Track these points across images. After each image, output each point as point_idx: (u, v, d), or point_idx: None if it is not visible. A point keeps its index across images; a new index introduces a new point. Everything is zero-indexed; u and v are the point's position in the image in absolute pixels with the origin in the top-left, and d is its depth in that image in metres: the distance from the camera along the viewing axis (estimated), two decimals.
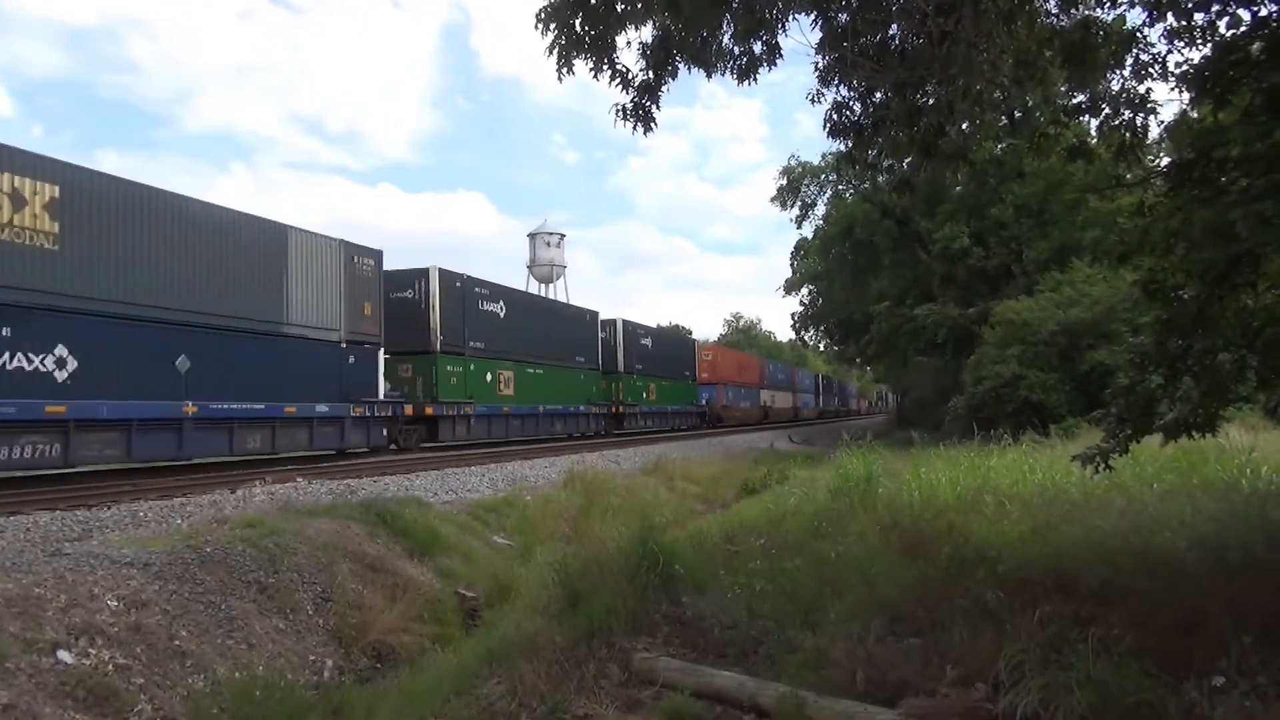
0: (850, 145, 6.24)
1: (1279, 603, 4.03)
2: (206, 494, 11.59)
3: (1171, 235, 4.76)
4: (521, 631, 5.95)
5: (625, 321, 33.38)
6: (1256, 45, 4.50)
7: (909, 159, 6.32)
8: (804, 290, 45.14)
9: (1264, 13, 4.58)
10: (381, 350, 18.91)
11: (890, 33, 5.80)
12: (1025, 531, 6.52)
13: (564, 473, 17.00)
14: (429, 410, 20.27)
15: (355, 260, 18.01)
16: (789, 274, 45.60)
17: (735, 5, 5.33)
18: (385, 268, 19.17)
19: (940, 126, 5.86)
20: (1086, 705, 3.62)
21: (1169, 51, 5.23)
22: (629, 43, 5.49)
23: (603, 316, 31.93)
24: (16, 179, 11.35)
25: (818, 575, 6.37)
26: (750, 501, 15.57)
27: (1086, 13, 5.68)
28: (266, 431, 15.39)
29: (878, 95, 6.00)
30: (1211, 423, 5.14)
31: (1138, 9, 5.40)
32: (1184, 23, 5.01)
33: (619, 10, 5.23)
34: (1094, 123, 5.93)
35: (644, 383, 34.38)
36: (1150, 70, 5.37)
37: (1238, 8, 4.70)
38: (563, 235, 57.14)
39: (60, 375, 11.83)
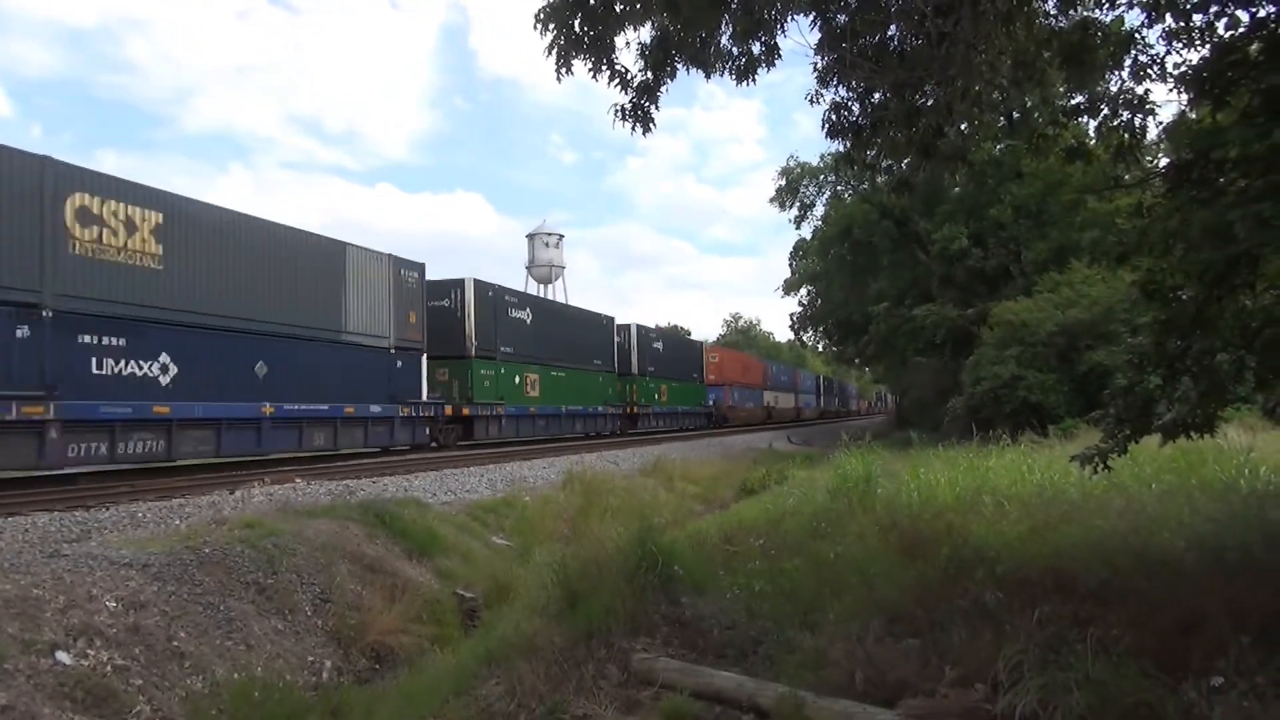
0: (849, 146, 6.24)
1: (1277, 603, 4.04)
2: (205, 495, 11.57)
3: (1170, 236, 4.76)
4: (520, 632, 5.95)
5: (639, 326, 34.60)
6: (1255, 46, 4.50)
7: (908, 160, 6.31)
8: (803, 291, 45.30)
9: (1262, 14, 4.58)
10: (424, 355, 20.07)
11: (889, 33, 5.80)
12: (1024, 532, 6.52)
13: (563, 473, 17.01)
14: (465, 411, 21.77)
15: (401, 273, 19.35)
16: (788, 274, 45.85)
17: (734, 6, 5.33)
18: None
19: (939, 127, 5.85)
20: (1085, 705, 3.63)
21: (1167, 52, 5.24)
22: (628, 43, 5.51)
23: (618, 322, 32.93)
24: (128, 208, 12.85)
25: (817, 576, 6.37)
26: (749, 502, 15.58)
27: (1085, 14, 5.68)
28: (330, 430, 16.88)
29: (876, 96, 6.00)
30: (1210, 423, 5.15)
31: (1136, 10, 5.41)
32: (1182, 24, 5.02)
33: (618, 11, 5.24)
34: (1092, 124, 5.92)
35: (656, 384, 35.41)
36: (1149, 71, 5.37)
37: (1236, 9, 4.71)
38: (561, 236, 57.23)
39: (164, 380, 13.37)
